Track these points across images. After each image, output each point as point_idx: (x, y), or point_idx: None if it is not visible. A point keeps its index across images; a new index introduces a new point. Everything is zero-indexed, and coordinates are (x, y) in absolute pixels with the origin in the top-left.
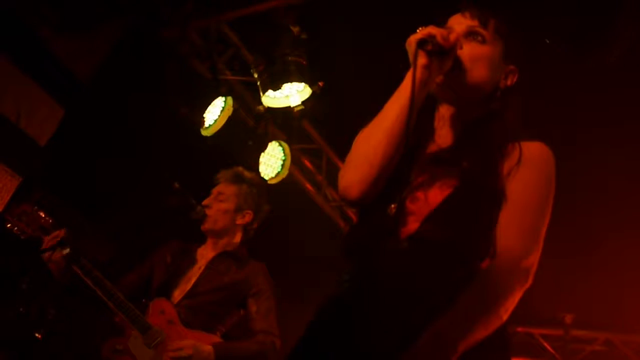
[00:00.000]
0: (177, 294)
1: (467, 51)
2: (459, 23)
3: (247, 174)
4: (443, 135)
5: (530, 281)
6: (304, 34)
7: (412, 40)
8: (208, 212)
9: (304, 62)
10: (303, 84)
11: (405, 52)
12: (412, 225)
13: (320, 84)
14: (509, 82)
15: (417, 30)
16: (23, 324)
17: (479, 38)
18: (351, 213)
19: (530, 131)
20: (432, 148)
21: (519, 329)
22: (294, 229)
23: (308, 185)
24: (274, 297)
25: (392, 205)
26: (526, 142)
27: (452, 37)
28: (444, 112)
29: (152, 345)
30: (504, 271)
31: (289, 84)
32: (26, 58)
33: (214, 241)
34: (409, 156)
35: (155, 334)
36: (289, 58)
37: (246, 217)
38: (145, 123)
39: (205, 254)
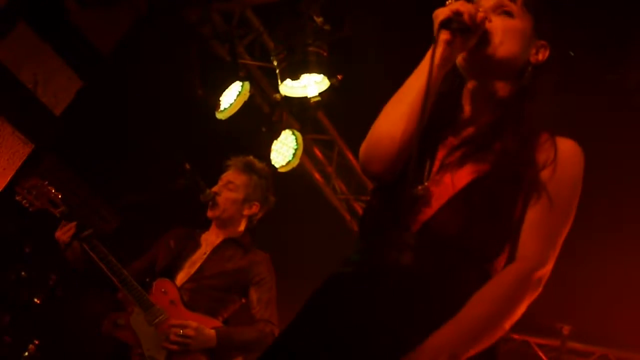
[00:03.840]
0: (181, 277)
1: (496, 24)
2: None
3: (258, 164)
4: (471, 114)
5: (539, 291)
6: (327, 25)
7: (438, 14)
8: (217, 199)
9: (325, 54)
10: (322, 75)
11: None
12: (430, 210)
13: (339, 77)
14: (540, 57)
15: (446, 3)
16: (23, 288)
17: (508, 12)
18: (358, 206)
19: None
20: (460, 127)
21: (515, 336)
22: (299, 218)
23: (317, 176)
24: (275, 287)
25: (419, 187)
26: (560, 138)
27: (480, 15)
28: (472, 88)
29: (154, 323)
30: (519, 281)
31: (308, 74)
32: (49, 28)
33: (219, 228)
34: (433, 134)
35: (157, 312)
36: (310, 48)
37: (253, 208)
38: (162, 101)
39: (210, 239)
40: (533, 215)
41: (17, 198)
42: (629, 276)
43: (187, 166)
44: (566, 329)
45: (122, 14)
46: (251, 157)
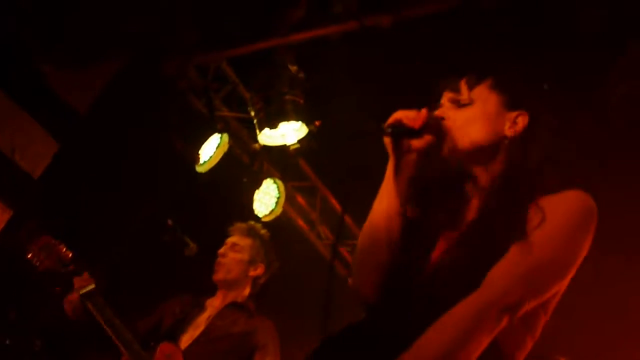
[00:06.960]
0: (185, 340)
1: (452, 120)
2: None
3: (261, 229)
4: (465, 205)
5: (503, 325)
6: (302, 73)
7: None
8: (222, 260)
9: (301, 101)
10: (300, 122)
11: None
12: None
13: (317, 123)
14: (517, 128)
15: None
16: (7, 355)
17: (463, 104)
18: (345, 252)
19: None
20: (458, 226)
21: None
22: (285, 266)
23: (301, 223)
24: (279, 356)
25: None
26: (554, 197)
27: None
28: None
29: None
30: (473, 313)
31: (286, 122)
32: (24, 92)
33: (224, 292)
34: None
35: None
36: (286, 97)
37: (258, 270)
38: (141, 158)
39: (215, 304)
40: (509, 257)
41: (29, 256)
42: (628, 308)
43: (170, 222)
44: None
45: (99, 72)
46: (253, 222)
